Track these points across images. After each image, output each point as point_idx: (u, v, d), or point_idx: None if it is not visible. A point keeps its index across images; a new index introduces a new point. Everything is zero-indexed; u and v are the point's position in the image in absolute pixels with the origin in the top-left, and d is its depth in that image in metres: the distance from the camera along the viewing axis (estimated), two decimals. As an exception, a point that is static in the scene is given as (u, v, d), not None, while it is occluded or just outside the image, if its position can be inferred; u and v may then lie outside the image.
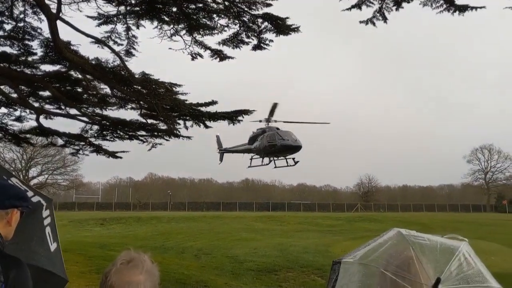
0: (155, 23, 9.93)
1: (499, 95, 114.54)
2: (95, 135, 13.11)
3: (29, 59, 10.66)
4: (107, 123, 12.64)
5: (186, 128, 12.32)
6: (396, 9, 9.07)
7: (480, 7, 8.33)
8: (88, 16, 9.92)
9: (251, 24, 9.78)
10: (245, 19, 9.66)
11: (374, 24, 9.46)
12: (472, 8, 8.35)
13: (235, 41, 10.23)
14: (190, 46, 10.56)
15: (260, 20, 9.65)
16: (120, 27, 10.27)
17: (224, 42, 10.33)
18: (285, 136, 23.14)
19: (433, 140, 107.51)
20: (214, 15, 9.70)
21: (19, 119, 12.60)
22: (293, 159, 24.74)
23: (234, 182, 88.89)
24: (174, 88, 10.83)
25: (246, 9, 9.36)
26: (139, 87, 10.73)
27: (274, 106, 23.08)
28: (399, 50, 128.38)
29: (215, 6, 9.40)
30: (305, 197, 77.93)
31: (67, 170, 56.01)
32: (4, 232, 1.91)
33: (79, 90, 11.84)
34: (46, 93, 11.67)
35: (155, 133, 13.01)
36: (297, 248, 17.41)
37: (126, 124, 12.52)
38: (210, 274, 11.60)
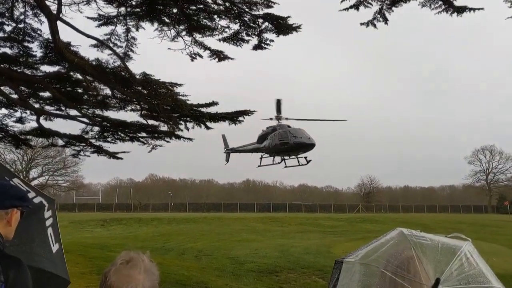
0: (156, 25, 9.94)
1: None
2: (96, 137, 13.11)
3: (29, 60, 10.67)
4: (108, 125, 12.63)
5: (187, 129, 12.33)
6: (395, 6, 8.92)
7: (478, 9, 8.30)
8: (88, 17, 9.95)
9: (251, 24, 9.77)
10: (245, 19, 9.65)
11: (375, 26, 9.39)
12: (470, 9, 8.30)
13: (235, 39, 10.22)
14: (189, 46, 10.57)
15: (260, 20, 9.65)
16: (120, 29, 10.30)
17: (225, 39, 10.32)
18: (297, 133, 22.41)
19: (434, 141, 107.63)
20: (215, 16, 9.71)
21: (20, 120, 12.60)
22: (305, 158, 24.02)
23: (235, 183, 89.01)
24: (175, 88, 10.82)
25: (247, 9, 9.36)
26: (140, 88, 10.72)
27: (279, 102, 22.68)
28: (404, 51, 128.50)
29: (216, 7, 9.40)
30: (306, 198, 77.81)
31: (67, 171, 56.06)
32: (4, 232, 1.91)
33: (80, 91, 11.82)
34: (47, 94, 11.67)
35: (156, 135, 12.99)
36: (298, 249, 17.36)
37: (127, 126, 12.49)
38: (211, 275, 11.57)
